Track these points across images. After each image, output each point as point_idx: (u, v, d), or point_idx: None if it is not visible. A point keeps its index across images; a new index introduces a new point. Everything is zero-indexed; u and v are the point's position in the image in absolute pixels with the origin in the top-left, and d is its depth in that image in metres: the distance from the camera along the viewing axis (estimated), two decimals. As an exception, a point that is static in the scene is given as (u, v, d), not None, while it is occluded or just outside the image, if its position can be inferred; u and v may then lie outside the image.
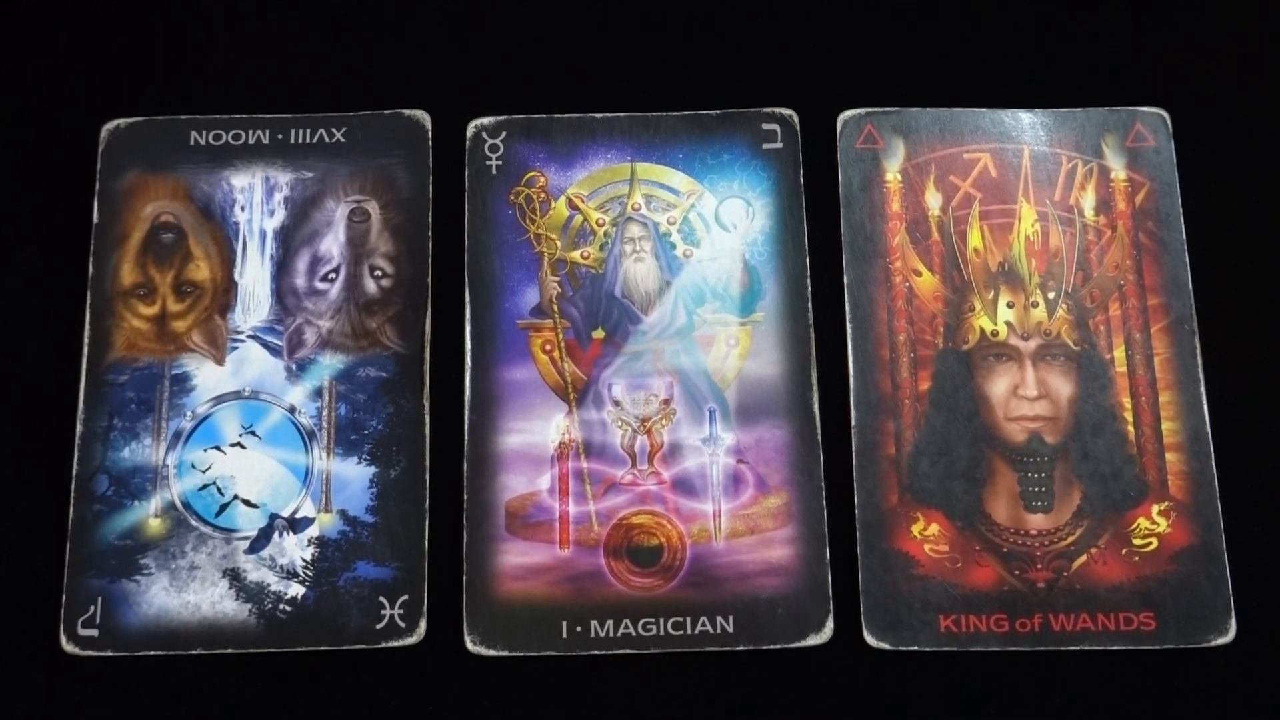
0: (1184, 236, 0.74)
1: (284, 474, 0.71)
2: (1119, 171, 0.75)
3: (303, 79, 0.77)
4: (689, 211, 0.75)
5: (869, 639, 0.69)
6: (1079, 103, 0.76)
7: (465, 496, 0.70)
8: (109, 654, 0.68)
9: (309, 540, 0.70)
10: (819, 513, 0.70)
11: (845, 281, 0.73)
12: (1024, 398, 0.72)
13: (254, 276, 0.74)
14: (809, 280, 0.74)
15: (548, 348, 0.73)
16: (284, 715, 0.69)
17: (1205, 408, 0.72)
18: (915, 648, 0.69)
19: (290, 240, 0.74)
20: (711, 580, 0.70)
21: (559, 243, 0.74)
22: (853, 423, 0.72)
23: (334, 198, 0.75)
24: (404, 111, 0.76)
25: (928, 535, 0.70)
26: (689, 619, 0.69)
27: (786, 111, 0.76)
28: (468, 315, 0.73)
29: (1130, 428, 0.71)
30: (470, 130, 0.76)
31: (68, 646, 0.69)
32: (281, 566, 0.70)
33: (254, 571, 0.70)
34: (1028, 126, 0.76)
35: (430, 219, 0.74)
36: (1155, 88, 0.77)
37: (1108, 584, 0.69)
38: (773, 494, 0.71)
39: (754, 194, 0.75)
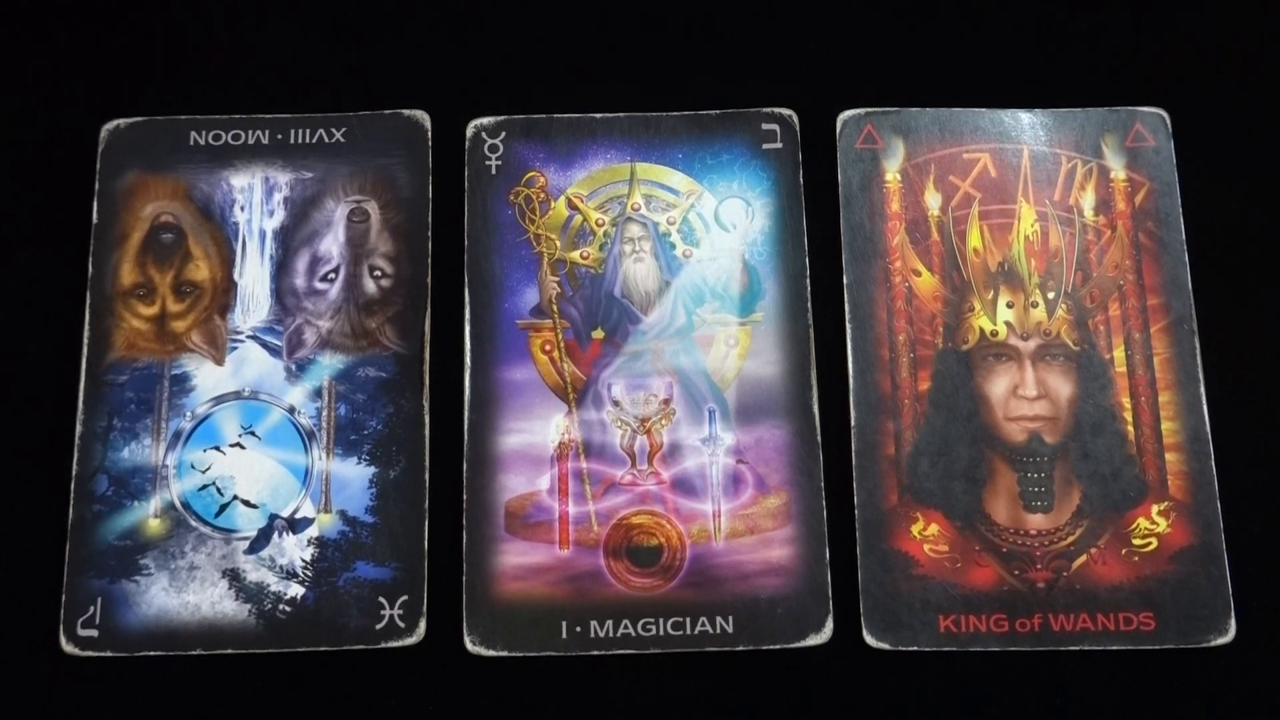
0: (1183, 236, 0.74)
1: (283, 474, 0.71)
2: (1119, 171, 0.75)
3: (302, 79, 0.77)
4: (688, 211, 0.75)
5: (869, 639, 0.69)
6: (1079, 103, 0.76)
7: (465, 497, 0.70)
8: (109, 654, 0.68)
9: (308, 540, 0.70)
10: (818, 513, 0.70)
11: (845, 281, 0.73)
12: (1024, 398, 0.72)
13: (253, 277, 0.74)
14: (808, 280, 0.74)
15: (547, 348, 0.73)
16: (284, 715, 0.69)
17: (1205, 408, 0.72)
18: (915, 648, 0.69)
19: (290, 240, 0.74)
20: (711, 580, 0.70)
21: (558, 243, 0.74)
22: (852, 423, 0.72)
23: (333, 198, 0.75)
24: (404, 111, 0.76)
25: (927, 535, 0.70)
26: (689, 619, 0.69)
27: (786, 111, 0.76)
28: (467, 315, 0.73)
29: (1130, 428, 0.71)
30: (470, 130, 0.76)
31: (67, 647, 0.69)
32: (281, 567, 0.70)
33: (254, 572, 0.70)
34: (1027, 126, 0.76)
35: (430, 219, 0.74)
36: (1155, 88, 0.77)
37: (1107, 584, 0.69)
38: (772, 494, 0.71)
39: (753, 194, 0.75)
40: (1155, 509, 0.70)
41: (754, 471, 0.71)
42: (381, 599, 0.69)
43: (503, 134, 0.76)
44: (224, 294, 0.73)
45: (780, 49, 0.78)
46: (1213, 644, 0.69)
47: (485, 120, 0.76)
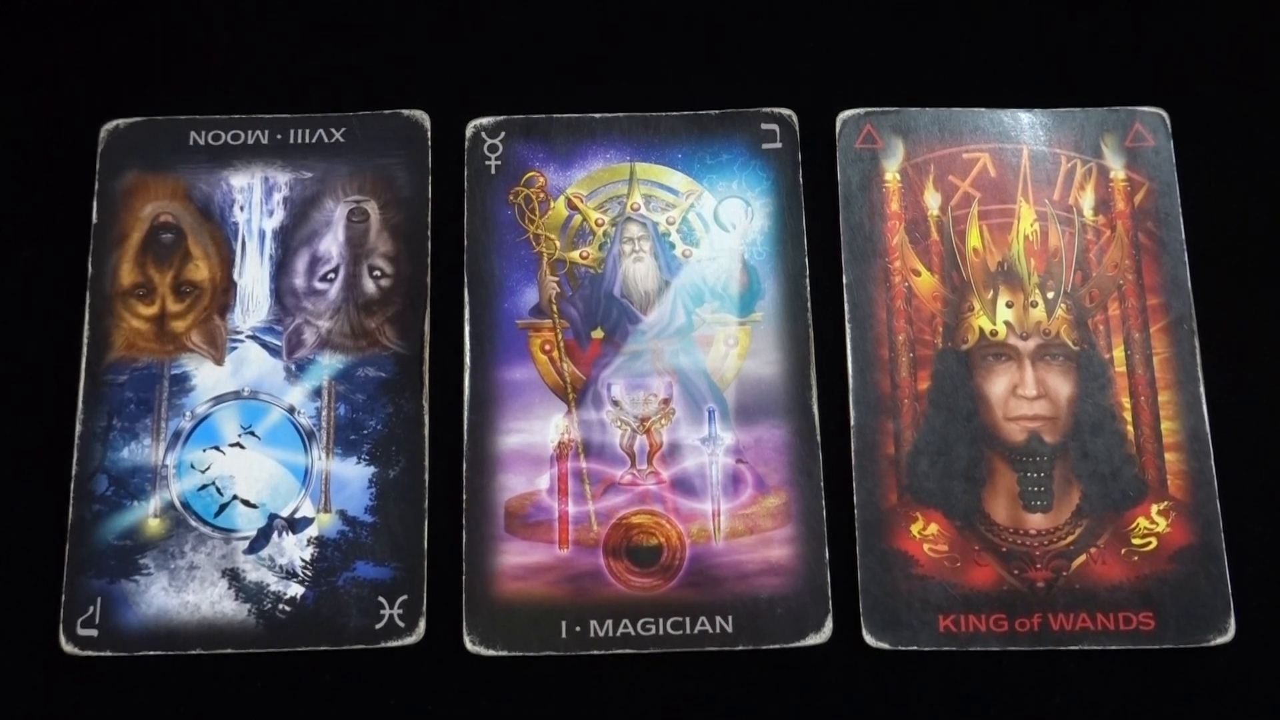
0: (1183, 236, 0.74)
1: (283, 474, 0.71)
2: (1118, 171, 0.75)
3: (302, 79, 0.77)
4: (688, 211, 0.75)
5: (868, 639, 0.69)
6: (1078, 102, 0.76)
7: (464, 496, 0.70)
8: (108, 654, 0.68)
9: (308, 540, 0.70)
10: (818, 512, 0.70)
11: (844, 281, 0.73)
12: (1023, 397, 0.72)
13: (253, 277, 0.74)
14: (808, 280, 0.74)
15: (547, 348, 0.73)
16: (284, 715, 0.69)
17: (1204, 407, 0.72)
18: (915, 647, 0.69)
19: (289, 240, 0.74)
20: (711, 580, 0.70)
21: (558, 243, 0.74)
22: (852, 422, 0.72)
23: (333, 198, 0.75)
24: (403, 111, 0.76)
25: (927, 535, 0.70)
26: (688, 619, 0.69)
27: (786, 111, 0.76)
28: (467, 315, 0.73)
29: (1129, 427, 0.71)
30: (469, 130, 0.76)
31: (67, 647, 0.69)
32: (281, 566, 0.70)
33: (253, 571, 0.70)
34: (1027, 126, 0.76)
35: (429, 219, 0.74)
36: (1155, 88, 0.77)
37: (1107, 584, 0.69)
38: (772, 494, 0.71)
39: (753, 194, 0.75)
40: (1155, 509, 0.70)
41: (753, 471, 0.71)
42: (381, 599, 0.69)
43: (502, 134, 0.76)
44: (223, 294, 0.73)
45: (780, 49, 0.78)
46: (1212, 644, 0.69)
47: (485, 120, 0.76)
